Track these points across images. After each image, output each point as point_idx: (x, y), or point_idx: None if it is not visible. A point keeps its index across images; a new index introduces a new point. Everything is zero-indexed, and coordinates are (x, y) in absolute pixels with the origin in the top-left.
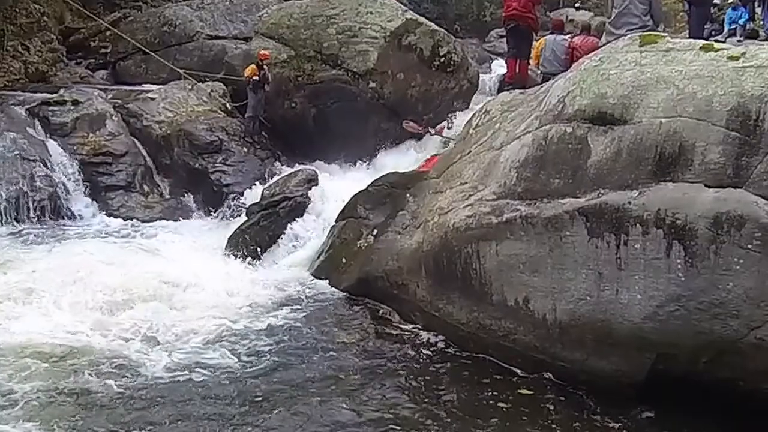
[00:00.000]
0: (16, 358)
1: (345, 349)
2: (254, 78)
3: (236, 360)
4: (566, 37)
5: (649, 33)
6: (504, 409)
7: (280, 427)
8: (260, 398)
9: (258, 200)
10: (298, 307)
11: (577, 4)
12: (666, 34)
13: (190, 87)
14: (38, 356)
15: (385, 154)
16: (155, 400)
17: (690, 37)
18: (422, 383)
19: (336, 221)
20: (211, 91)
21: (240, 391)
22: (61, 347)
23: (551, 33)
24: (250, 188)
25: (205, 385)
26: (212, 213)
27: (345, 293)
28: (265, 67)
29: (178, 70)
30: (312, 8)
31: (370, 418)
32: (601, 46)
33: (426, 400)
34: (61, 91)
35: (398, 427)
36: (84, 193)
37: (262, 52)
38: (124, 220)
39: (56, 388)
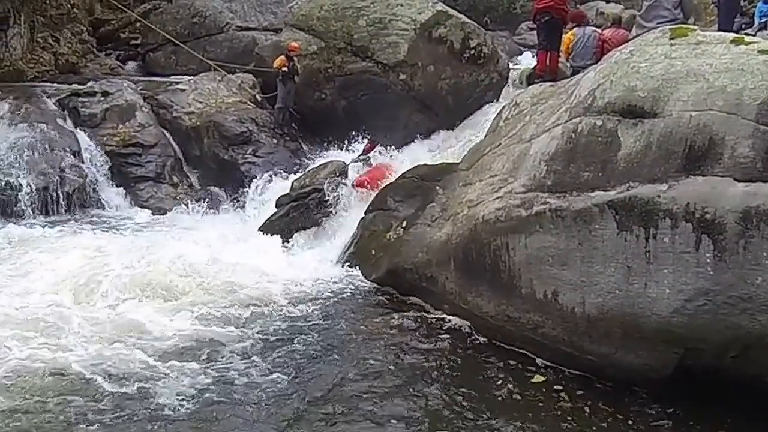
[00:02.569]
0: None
1: (373, 340)
2: (283, 69)
3: (265, 351)
4: (596, 29)
5: (679, 26)
6: (531, 402)
7: (309, 417)
8: (289, 389)
9: (287, 191)
10: (327, 298)
11: None
12: (696, 27)
13: (220, 78)
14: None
15: (414, 146)
16: (185, 389)
17: (719, 30)
18: (449, 375)
19: (366, 213)
20: (241, 82)
21: (269, 381)
22: (81, 343)
23: (577, 26)
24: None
25: (232, 375)
26: (242, 204)
27: (374, 285)
28: (294, 58)
29: (208, 61)
30: (342, 0)
31: (396, 410)
32: (632, 39)
33: (452, 391)
34: (91, 82)
35: (426, 419)
36: (113, 184)
37: (291, 44)
38: (153, 211)
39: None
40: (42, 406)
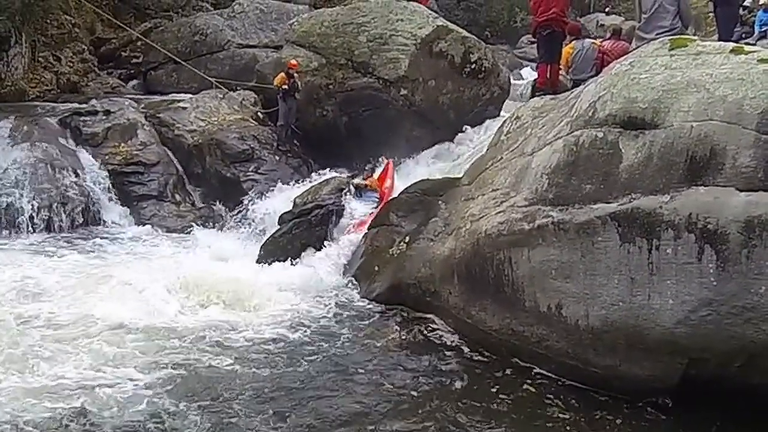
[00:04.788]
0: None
1: (376, 356)
2: (284, 87)
3: (268, 368)
4: (594, 41)
5: (679, 36)
6: (536, 416)
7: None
8: (291, 405)
9: (290, 209)
10: (331, 314)
11: (607, 9)
12: (696, 37)
13: (221, 96)
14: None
15: (416, 161)
16: (184, 409)
17: (719, 40)
18: (453, 390)
19: (369, 228)
20: (243, 99)
21: (270, 399)
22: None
23: (576, 39)
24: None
25: (238, 388)
26: (244, 221)
27: (377, 300)
28: (294, 75)
29: (210, 79)
30: (342, 16)
31: (400, 425)
32: (632, 51)
33: (456, 407)
34: (93, 101)
35: None
36: (116, 202)
37: (291, 61)
38: (156, 229)
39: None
40: None
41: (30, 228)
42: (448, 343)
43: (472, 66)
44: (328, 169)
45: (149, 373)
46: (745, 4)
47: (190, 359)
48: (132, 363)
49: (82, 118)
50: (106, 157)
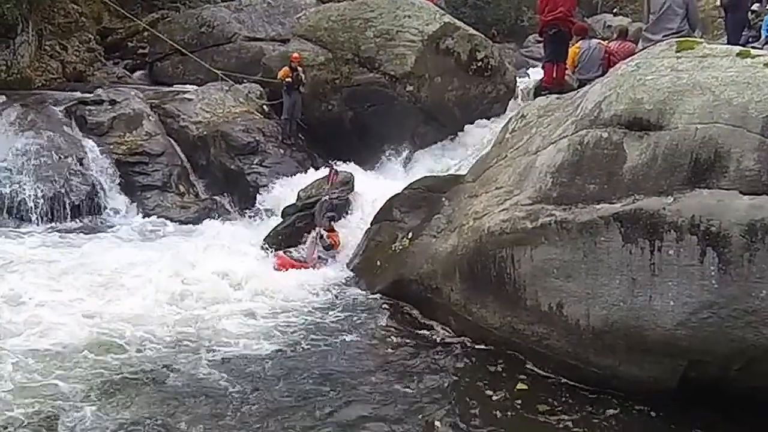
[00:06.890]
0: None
1: (377, 351)
2: (287, 80)
3: (267, 360)
4: (601, 41)
5: (685, 39)
6: (534, 414)
7: (306, 426)
8: (289, 398)
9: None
10: (332, 308)
11: (615, 10)
12: (703, 39)
13: (227, 88)
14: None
15: (421, 157)
16: (188, 396)
17: (728, 44)
18: (452, 387)
19: (371, 224)
20: (248, 92)
21: (268, 391)
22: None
23: (582, 39)
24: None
25: (235, 382)
26: (248, 214)
27: (379, 295)
28: (298, 68)
29: (216, 71)
30: (350, 11)
31: (397, 420)
32: (638, 52)
33: (455, 404)
34: (99, 90)
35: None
36: (120, 192)
37: (293, 54)
38: (160, 219)
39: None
40: None
41: (33, 217)
42: (449, 339)
43: (479, 64)
44: (333, 163)
45: (137, 373)
46: (753, 8)
47: (184, 347)
48: (117, 364)
49: (87, 108)
50: (111, 146)
